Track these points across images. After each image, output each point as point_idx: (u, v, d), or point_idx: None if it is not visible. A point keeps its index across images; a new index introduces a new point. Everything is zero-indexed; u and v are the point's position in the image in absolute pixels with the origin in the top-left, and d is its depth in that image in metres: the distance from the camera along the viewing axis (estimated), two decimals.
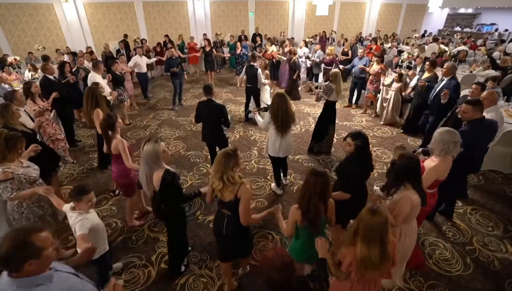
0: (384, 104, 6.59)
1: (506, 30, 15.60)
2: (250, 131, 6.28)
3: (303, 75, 9.03)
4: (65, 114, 5.51)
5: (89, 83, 5.24)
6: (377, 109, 6.94)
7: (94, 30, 10.85)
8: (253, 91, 6.62)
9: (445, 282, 2.86)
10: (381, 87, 6.68)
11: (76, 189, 2.27)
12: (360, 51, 7.77)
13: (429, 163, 2.68)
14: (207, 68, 9.71)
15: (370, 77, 6.96)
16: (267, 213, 2.42)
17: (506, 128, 4.52)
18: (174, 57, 7.35)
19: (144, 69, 7.91)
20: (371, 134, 6.13)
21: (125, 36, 10.52)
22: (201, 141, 5.84)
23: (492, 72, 6.95)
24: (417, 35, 13.71)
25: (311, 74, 9.15)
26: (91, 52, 8.86)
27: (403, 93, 6.25)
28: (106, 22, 10.96)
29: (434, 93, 4.90)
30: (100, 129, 3.37)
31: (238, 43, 9.44)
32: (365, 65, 7.22)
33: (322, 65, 8.69)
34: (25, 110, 3.96)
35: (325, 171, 2.19)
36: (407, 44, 12.21)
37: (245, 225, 2.27)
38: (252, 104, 6.68)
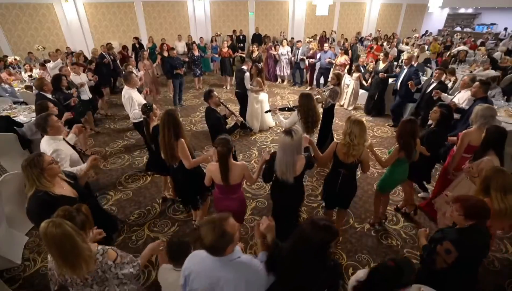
0: (345, 90, 7.42)
1: (506, 28, 15.61)
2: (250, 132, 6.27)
3: (287, 70, 9.81)
4: None
5: (125, 101, 4.32)
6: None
7: (94, 30, 10.85)
8: (240, 96, 6.29)
9: None
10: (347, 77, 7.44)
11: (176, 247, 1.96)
12: (326, 45, 8.79)
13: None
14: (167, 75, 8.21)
15: (336, 68, 7.78)
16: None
17: (506, 128, 4.51)
18: (175, 56, 7.31)
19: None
20: (371, 134, 6.13)
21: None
22: (201, 141, 5.89)
23: (492, 72, 6.95)
24: (417, 35, 13.72)
25: (296, 68, 9.50)
26: (78, 63, 6.61)
27: (365, 83, 7.25)
28: (106, 22, 10.96)
29: (400, 80, 6.00)
30: (214, 160, 2.58)
31: (195, 45, 9.02)
32: (330, 58, 8.28)
33: (307, 61, 9.09)
34: (64, 139, 3.00)
35: (413, 118, 2.99)
36: (407, 44, 12.20)
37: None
38: (252, 106, 6.26)
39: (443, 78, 5.34)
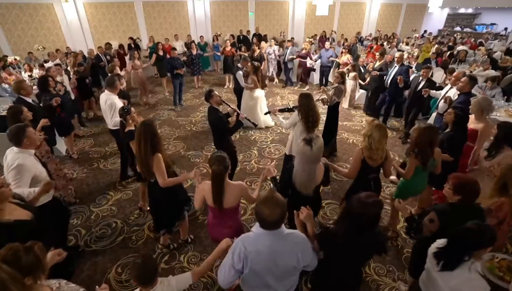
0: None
1: (506, 28, 15.62)
2: (250, 131, 6.27)
3: (272, 69, 9.96)
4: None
5: (107, 107, 4.07)
6: None
7: (94, 30, 10.84)
8: (237, 92, 6.66)
9: None
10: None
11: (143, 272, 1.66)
12: (327, 44, 9.03)
13: (478, 125, 3.39)
14: (161, 74, 9.04)
15: (340, 66, 8.04)
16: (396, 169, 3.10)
17: None
18: (175, 57, 7.30)
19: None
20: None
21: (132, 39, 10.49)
22: (201, 141, 5.89)
23: (492, 72, 6.95)
24: (417, 35, 13.72)
25: (285, 68, 9.58)
26: (79, 64, 6.78)
27: (363, 83, 7.39)
28: (106, 22, 10.96)
29: (390, 78, 6.01)
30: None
31: (194, 44, 9.10)
32: (331, 56, 8.57)
33: (298, 59, 9.23)
34: (35, 154, 2.73)
35: (432, 124, 2.87)
36: (407, 44, 12.21)
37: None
38: (255, 107, 6.31)
39: (443, 79, 5.36)
